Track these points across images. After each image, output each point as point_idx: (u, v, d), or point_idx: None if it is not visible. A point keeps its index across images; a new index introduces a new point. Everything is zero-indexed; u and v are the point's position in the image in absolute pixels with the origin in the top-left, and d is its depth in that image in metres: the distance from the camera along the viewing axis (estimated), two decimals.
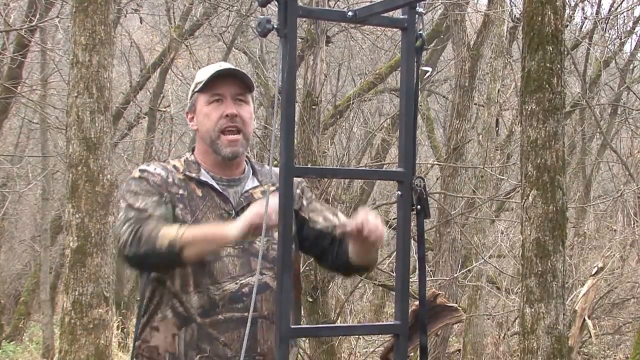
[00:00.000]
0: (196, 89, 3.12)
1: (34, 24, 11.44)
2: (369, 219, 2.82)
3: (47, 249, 14.07)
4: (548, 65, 5.91)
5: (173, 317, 2.98)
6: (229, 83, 3.07)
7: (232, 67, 3.16)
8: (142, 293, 3.08)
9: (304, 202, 3.17)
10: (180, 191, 3.03)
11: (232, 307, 2.96)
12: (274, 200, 2.39)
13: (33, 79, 13.92)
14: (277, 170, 2.70)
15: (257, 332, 2.98)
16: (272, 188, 3.07)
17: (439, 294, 5.74)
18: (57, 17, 11.76)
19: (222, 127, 3.04)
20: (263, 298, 3.01)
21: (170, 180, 3.04)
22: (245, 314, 2.93)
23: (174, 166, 3.09)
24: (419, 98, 2.51)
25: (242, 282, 2.99)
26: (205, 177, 3.07)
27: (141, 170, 3.07)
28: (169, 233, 2.84)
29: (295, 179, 2.66)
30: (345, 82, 14.57)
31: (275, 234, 2.98)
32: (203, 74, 3.12)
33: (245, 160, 3.17)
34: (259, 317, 2.99)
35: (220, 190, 3.06)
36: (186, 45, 13.03)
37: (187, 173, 3.06)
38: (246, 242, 3.00)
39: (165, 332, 2.99)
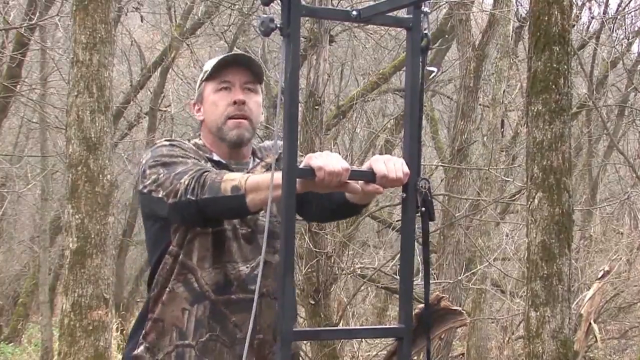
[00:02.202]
0: (204, 78, 3.06)
1: (33, 22, 11.44)
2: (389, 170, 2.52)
3: (46, 250, 14.05)
4: (555, 65, 5.85)
5: (185, 291, 2.93)
6: (238, 71, 3.02)
7: (244, 54, 3.13)
8: (153, 268, 3.01)
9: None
10: (208, 164, 2.97)
11: (246, 288, 2.95)
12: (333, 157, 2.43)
13: (32, 78, 13.91)
14: (280, 143, 2.64)
15: (261, 312, 2.96)
16: (269, 159, 3.07)
17: (443, 297, 5.66)
18: (57, 15, 11.74)
19: (230, 114, 2.99)
20: (269, 284, 2.98)
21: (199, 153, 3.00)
22: (252, 295, 2.89)
23: (193, 144, 3.05)
24: (424, 98, 2.44)
25: (252, 265, 2.97)
26: (218, 158, 3.03)
27: (169, 140, 3.03)
28: (233, 178, 2.75)
29: None
30: (348, 82, 14.53)
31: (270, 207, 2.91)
32: (211, 64, 3.07)
33: None
34: (259, 295, 2.89)
35: (232, 170, 2.97)
36: (187, 45, 13.01)
37: (201, 153, 3.02)
38: (251, 221, 2.96)
39: (174, 306, 2.94)
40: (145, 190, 2.93)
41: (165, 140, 3.03)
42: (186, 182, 2.80)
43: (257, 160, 3.11)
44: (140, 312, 3.06)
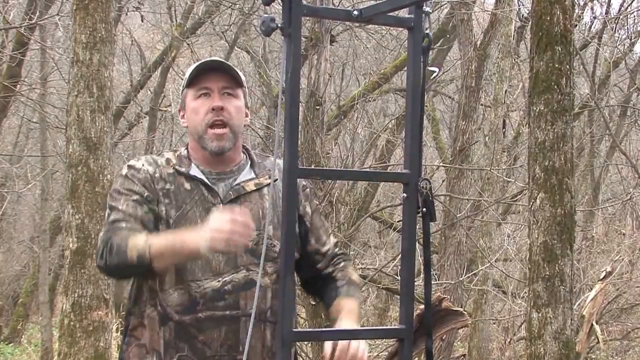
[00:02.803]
0: (184, 85, 3.09)
1: (33, 21, 11.43)
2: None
3: (46, 250, 14.02)
4: (557, 65, 5.83)
5: (156, 314, 2.96)
6: (215, 76, 3.03)
7: (219, 59, 3.13)
8: (130, 290, 3.10)
9: (308, 210, 3.15)
10: (167, 186, 3.01)
11: (212, 305, 2.92)
12: (237, 217, 2.66)
13: (32, 78, 13.89)
14: (280, 162, 2.75)
15: (239, 330, 2.93)
16: (268, 180, 3.07)
17: (444, 298, 5.63)
18: (57, 14, 11.72)
19: (210, 121, 3.00)
20: (247, 295, 2.94)
21: (157, 175, 3.02)
22: (227, 312, 2.92)
23: (167, 159, 3.08)
24: (425, 99, 2.47)
25: (225, 279, 2.95)
26: (195, 171, 3.04)
27: (129, 167, 3.06)
28: (138, 244, 2.85)
29: (300, 181, 2.71)
30: (349, 82, 14.49)
31: (270, 227, 3.01)
32: (191, 69, 3.10)
33: (244, 152, 3.13)
34: (241, 315, 2.93)
35: (210, 184, 3.01)
36: (188, 44, 12.98)
37: (177, 167, 3.04)
38: None
39: (151, 330, 2.98)
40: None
41: (126, 167, 3.07)
42: (99, 246, 2.94)
43: (253, 175, 3.08)
44: (129, 335, 3.08)
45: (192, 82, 3.04)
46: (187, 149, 3.10)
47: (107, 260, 2.89)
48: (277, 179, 3.05)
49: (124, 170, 3.05)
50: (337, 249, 3.21)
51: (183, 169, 3.03)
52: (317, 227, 3.15)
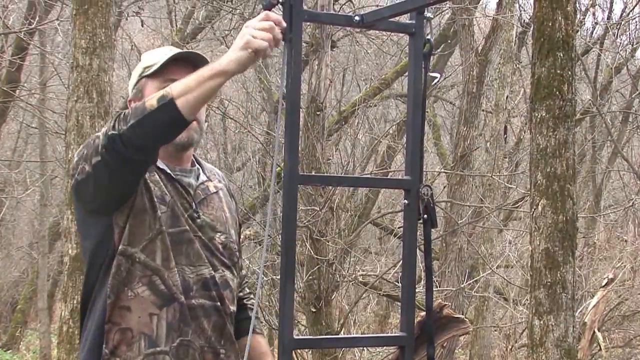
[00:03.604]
0: (144, 74, 2.86)
1: (33, 26, 11.42)
2: None
3: (45, 256, 14.00)
4: (558, 72, 5.79)
5: (152, 295, 2.73)
6: (183, 68, 2.79)
7: (186, 50, 2.92)
8: (96, 268, 2.77)
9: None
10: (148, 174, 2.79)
11: (204, 293, 2.79)
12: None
13: (32, 83, 13.86)
14: (216, 169, 2.92)
15: (226, 325, 2.84)
16: (220, 184, 2.98)
17: (445, 305, 5.57)
18: (57, 19, 11.69)
19: None
20: (225, 296, 2.85)
21: None
22: (217, 303, 2.80)
23: None
24: (426, 104, 2.45)
25: (212, 272, 2.82)
26: (161, 165, 2.85)
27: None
28: (154, 94, 2.57)
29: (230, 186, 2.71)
30: (350, 88, 14.46)
31: (232, 231, 2.92)
32: (152, 58, 2.87)
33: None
34: (225, 312, 2.84)
35: (178, 179, 2.85)
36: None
37: None
38: (207, 238, 2.83)
39: (140, 312, 2.72)
40: (78, 178, 2.69)
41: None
42: (104, 130, 2.60)
43: (206, 177, 2.94)
44: (89, 321, 2.84)
45: (156, 72, 2.82)
46: None
47: (121, 127, 2.54)
48: (224, 184, 2.99)
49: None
50: (243, 271, 3.13)
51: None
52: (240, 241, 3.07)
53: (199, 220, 2.83)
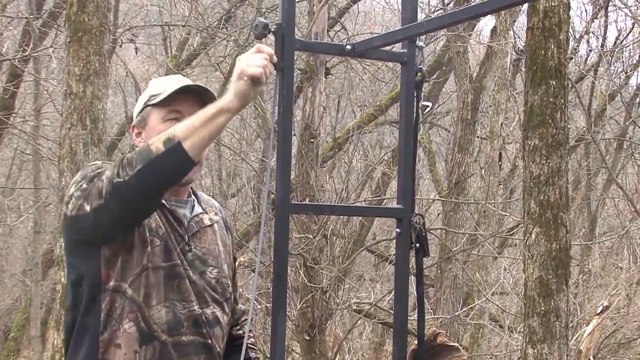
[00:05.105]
0: (150, 102, 2.82)
1: (27, 53, 11.39)
2: None
3: (38, 284, 13.89)
4: (551, 99, 5.85)
5: (136, 332, 2.68)
6: (190, 100, 2.77)
7: (195, 83, 2.86)
8: (80, 298, 2.70)
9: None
10: None
11: (196, 330, 2.75)
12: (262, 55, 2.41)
13: (26, 110, 13.80)
14: (214, 201, 2.91)
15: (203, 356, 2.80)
16: (217, 217, 2.95)
17: (440, 332, 5.53)
18: (51, 46, 11.67)
19: None
20: (214, 333, 2.81)
21: None
22: (209, 340, 2.77)
23: None
24: (420, 131, 2.47)
25: (204, 308, 2.79)
26: None
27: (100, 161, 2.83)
28: (159, 136, 2.51)
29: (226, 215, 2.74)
30: (345, 114, 14.45)
31: (225, 266, 2.88)
32: (159, 87, 2.83)
33: None
34: (214, 350, 2.80)
35: (172, 210, 2.80)
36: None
37: None
38: (197, 273, 2.78)
39: (127, 348, 2.68)
40: (74, 214, 2.64)
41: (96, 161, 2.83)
42: (108, 174, 2.55)
43: (201, 209, 2.90)
44: (78, 356, 2.73)
45: (162, 102, 2.78)
46: None
47: (127, 174, 2.49)
48: (221, 217, 2.96)
49: (96, 162, 2.78)
50: (240, 306, 3.08)
51: None
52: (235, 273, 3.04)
53: (189, 254, 2.79)
